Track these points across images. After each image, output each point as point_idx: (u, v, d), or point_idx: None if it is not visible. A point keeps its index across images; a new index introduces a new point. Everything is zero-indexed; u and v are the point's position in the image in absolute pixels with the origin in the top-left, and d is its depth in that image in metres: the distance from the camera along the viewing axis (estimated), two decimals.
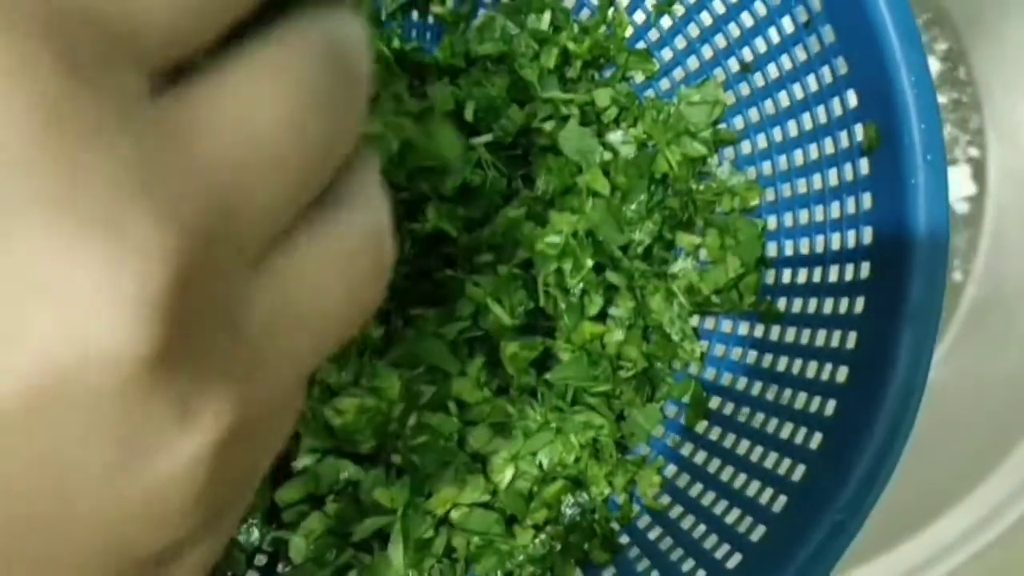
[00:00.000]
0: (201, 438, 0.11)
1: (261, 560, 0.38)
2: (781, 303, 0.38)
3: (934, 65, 0.69)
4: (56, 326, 0.10)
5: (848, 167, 0.34)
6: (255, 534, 0.37)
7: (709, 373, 0.40)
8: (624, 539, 0.38)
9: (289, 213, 0.12)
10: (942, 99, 0.70)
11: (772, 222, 0.38)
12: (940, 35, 0.70)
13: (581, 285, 0.38)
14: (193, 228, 0.10)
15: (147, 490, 0.11)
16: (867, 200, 0.33)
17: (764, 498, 0.34)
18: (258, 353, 0.12)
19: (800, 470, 0.33)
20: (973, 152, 0.69)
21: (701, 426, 0.39)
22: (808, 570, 0.30)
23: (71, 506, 0.11)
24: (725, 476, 0.36)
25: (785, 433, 0.35)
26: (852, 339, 0.33)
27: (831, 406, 0.33)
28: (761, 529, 0.33)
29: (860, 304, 0.33)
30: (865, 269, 0.33)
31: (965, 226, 0.67)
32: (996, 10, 0.68)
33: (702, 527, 0.36)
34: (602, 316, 0.40)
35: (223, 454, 0.12)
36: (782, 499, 0.33)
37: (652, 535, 0.37)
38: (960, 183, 0.68)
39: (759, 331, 0.39)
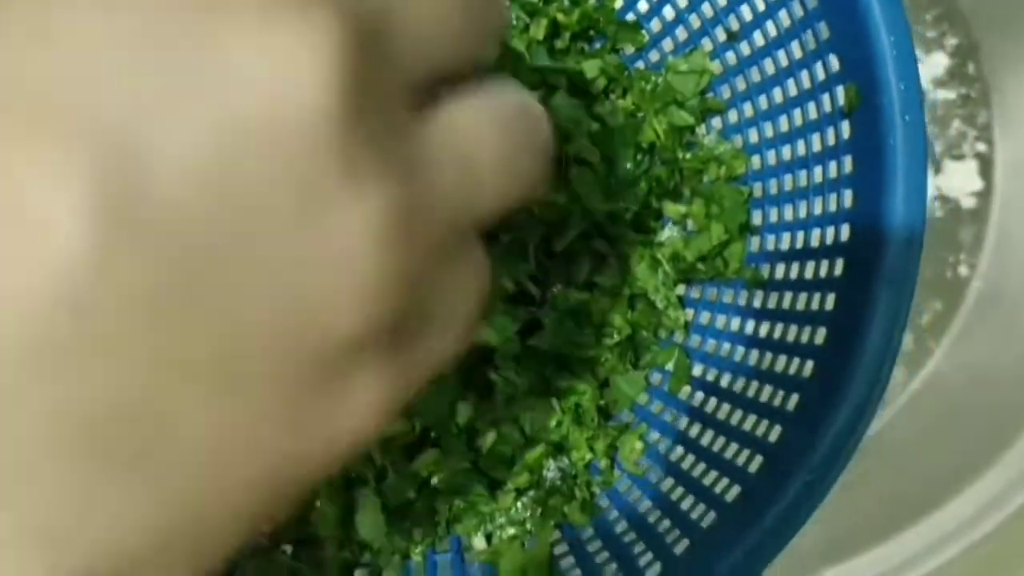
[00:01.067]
0: (366, 205, 0.12)
1: None
2: (765, 269, 0.38)
3: (943, 61, 0.69)
4: (258, 72, 0.11)
5: (831, 131, 0.34)
6: None
7: (694, 341, 0.40)
8: (604, 502, 0.38)
9: (443, 56, 0.14)
10: (951, 95, 0.70)
11: (758, 189, 0.39)
12: (949, 31, 0.70)
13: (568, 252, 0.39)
14: (362, 21, 0.12)
15: (326, 245, 0.12)
16: (848, 163, 0.33)
17: (741, 459, 0.34)
18: (418, 166, 0.13)
19: (776, 431, 0.33)
20: (980, 147, 0.69)
21: (684, 392, 0.39)
22: (778, 529, 0.30)
23: (256, 250, 0.11)
24: (705, 440, 0.36)
25: (764, 396, 0.35)
26: (831, 301, 0.33)
27: (809, 367, 0.33)
28: (736, 490, 0.33)
29: (840, 267, 0.33)
30: (845, 232, 0.33)
31: (971, 221, 0.67)
32: (1007, 6, 0.67)
33: (680, 489, 0.36)
34: (588, 284, 0.40)
35: (394, 237, 0.12)
36: (758, 460, 0.33)
37: (631, 497, 0.37)
38: (967, 178, 0.68)
39: (743, 298, 0.39)
